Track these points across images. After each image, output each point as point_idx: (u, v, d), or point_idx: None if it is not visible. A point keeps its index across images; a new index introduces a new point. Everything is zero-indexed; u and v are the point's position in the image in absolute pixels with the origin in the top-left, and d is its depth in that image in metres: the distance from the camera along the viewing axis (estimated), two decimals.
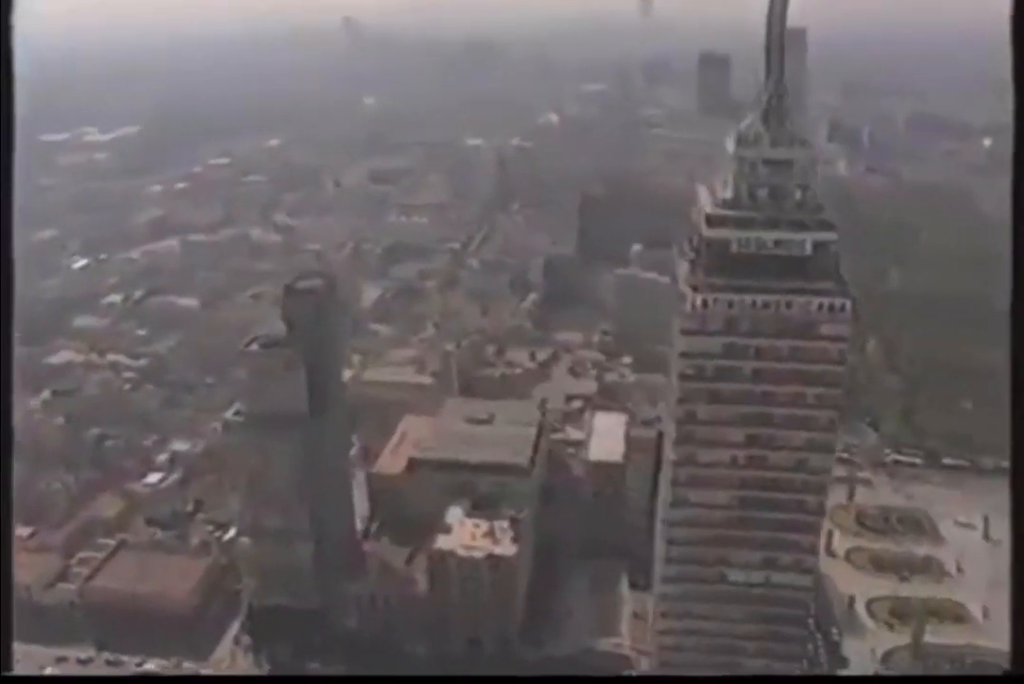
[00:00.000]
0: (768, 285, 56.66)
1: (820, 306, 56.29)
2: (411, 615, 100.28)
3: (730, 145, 60.20)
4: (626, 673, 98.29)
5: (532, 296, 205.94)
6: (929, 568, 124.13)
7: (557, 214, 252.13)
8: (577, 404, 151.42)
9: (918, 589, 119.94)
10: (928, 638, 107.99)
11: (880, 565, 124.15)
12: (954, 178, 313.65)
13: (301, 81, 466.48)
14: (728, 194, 58.16)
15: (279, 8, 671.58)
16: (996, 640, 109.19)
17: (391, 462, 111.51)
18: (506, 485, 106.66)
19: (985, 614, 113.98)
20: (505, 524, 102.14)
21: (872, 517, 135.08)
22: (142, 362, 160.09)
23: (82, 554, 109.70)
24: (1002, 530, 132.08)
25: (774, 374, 57.47)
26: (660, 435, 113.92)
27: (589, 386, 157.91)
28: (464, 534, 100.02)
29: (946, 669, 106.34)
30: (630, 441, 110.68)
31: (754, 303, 56.68)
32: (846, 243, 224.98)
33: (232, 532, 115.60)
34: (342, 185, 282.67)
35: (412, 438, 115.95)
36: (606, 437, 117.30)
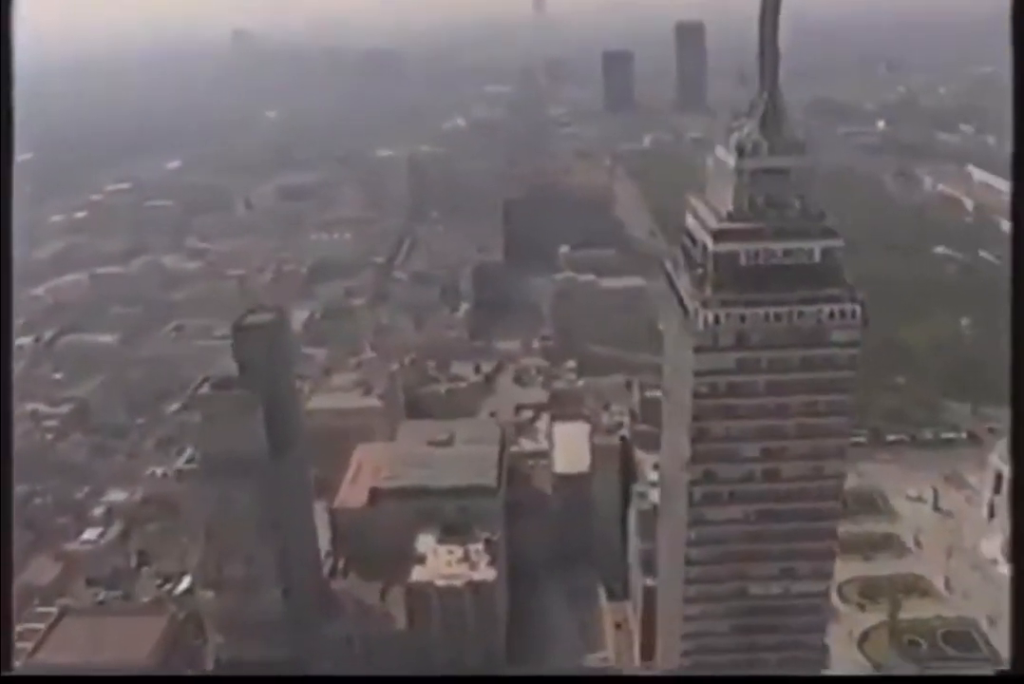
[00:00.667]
0: (780, 296, 55.67)
1: (831, 313, 55.56)
2: (391, 652, 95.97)
3: (724, 155, 58.90)
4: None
5: (464, 306, 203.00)
6: (890, 545, 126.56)
7: (478, 220, 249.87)
8: (528, 414, 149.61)
9: (883, 567, 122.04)
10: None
11: (843, 547, 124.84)
12: (853, 159, 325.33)
13: (196, 98, 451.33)
14: (730, 206, 56.86)
15: (165, 25, 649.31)
16: (961, 609, 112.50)
17: (351, 494, 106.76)
18: (474, 507, 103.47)
19: (947, 585, 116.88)
20: (480, 547, 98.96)
21: None
22: (63, 408, 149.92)
23: (21, 627, 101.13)
24: (950, 501, 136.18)
25: (786, 385, 56.56)
26: (624, 441, 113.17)
27: (538, 395, 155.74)
28: (439, 563, 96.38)
29: (922, 645, 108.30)
30: (595, 450, 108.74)
31: (766, 316, 55.56)
32: None
33: (185, 583, 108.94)
34: (253, 205, 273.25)
35: (370, 467, 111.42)
36: (569, 447, 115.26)
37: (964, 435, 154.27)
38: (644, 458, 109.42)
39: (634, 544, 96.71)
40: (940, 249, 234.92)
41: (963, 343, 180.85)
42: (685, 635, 63.13)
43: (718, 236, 55.34)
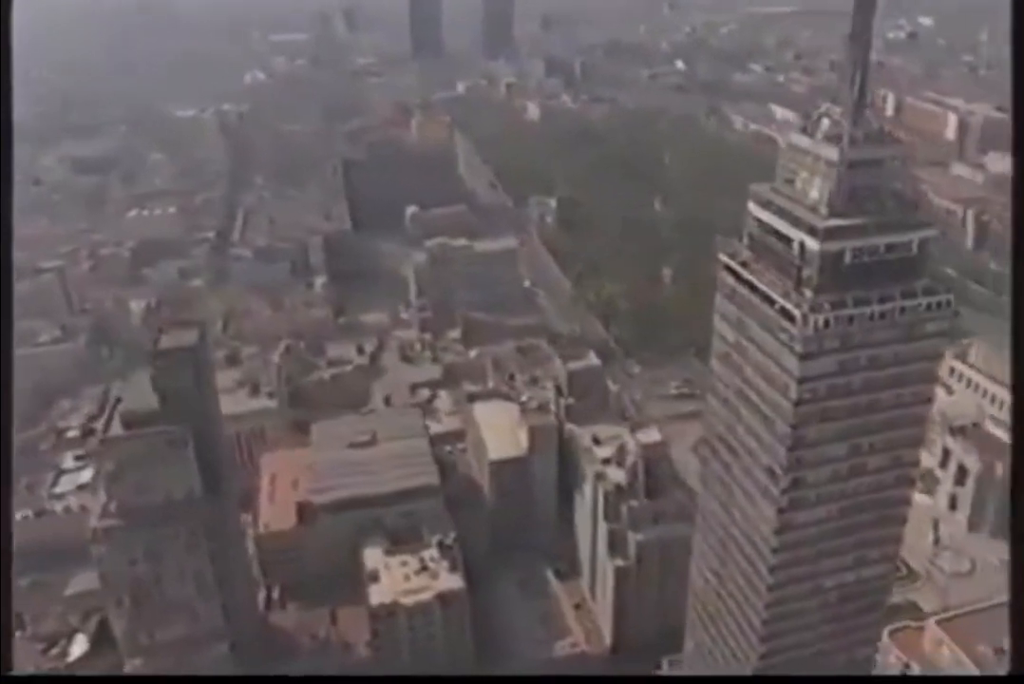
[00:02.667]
0: (885, 293, 51.73)
1: (928, 306, 52.14)
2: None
3: (812, 144, 53.21)
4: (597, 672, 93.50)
5: (320, 280, 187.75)
6: None
7: (310, 184, 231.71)
8: (425, 393, 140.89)
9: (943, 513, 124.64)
10: None
11: None
12: (665, 99, 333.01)
13: None
14: (830, 201, 51.74)
15: None
16: None
17: (274, 515, 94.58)
18: (419, 510, 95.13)
19: None
20: (434, 553, 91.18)
21: None
22: None
23: None
24: None
25: (880, 381, 53.20)
26: (559, 418, 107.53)
27: (430, 371, 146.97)
28: (395, 577, 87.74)
29: None
30: (533, 432, 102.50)
31: (872, 315, 51.35)
32: (610, 177, 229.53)
33: (79, 646, 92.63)
34: (43, 182, 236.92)
35: (286, 480, 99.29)
36: (497, 430, 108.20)
37: None
38: (577, 433, 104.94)
39: (601, 527, 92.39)
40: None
41: None
42: (763, 638, 59.87)
43: (827, 234, 50.36)
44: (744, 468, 59.61)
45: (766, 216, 56.16)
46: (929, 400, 54.89)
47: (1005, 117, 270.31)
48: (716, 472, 64.00)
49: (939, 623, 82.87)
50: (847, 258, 50.70)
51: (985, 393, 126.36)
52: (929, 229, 53.72)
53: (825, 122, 53.17)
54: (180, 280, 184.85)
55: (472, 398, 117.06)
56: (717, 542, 64.69)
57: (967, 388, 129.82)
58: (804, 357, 50.49)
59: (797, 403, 51.46)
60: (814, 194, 53.03)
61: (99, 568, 63.89)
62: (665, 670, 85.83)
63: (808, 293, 51.21)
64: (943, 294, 52.82)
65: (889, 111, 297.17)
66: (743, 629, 62.64)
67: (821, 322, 50.19)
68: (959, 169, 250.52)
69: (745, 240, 59.11)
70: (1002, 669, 78.89)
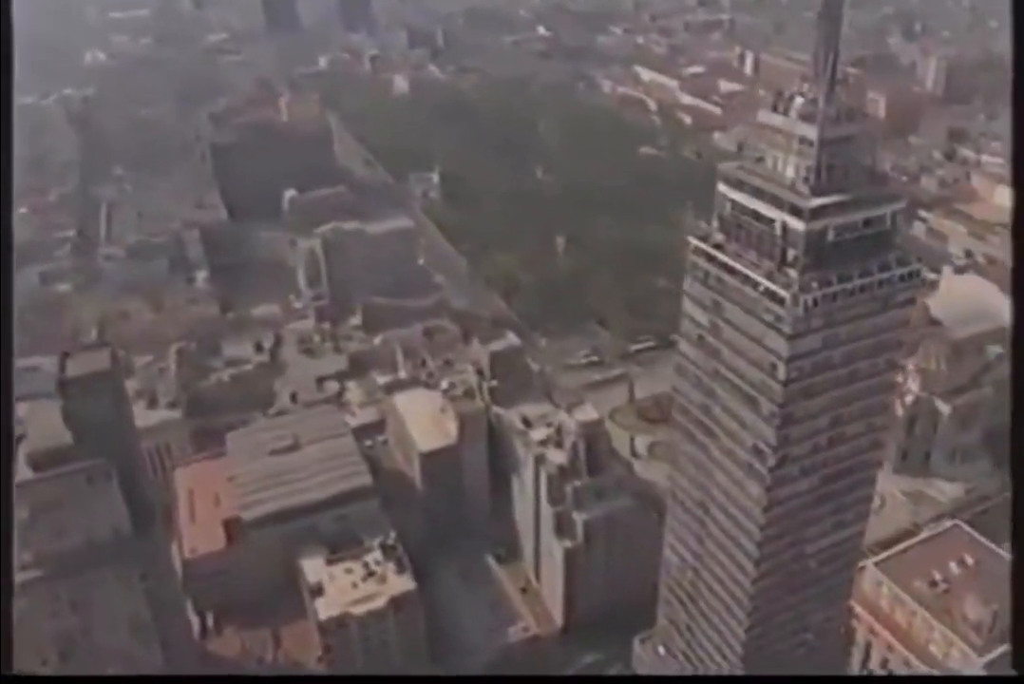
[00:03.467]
0: (864, 268, 51.13)
1: (902, 276, 51.99)
2: None
3: (786, 123, 51.60)
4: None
5: (201, 274, 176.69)
6: None
7: (175, 172, 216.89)
8: (334, 386, 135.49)
9: None
10: None
11: None
12: (531, 66, 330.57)
13: None
14: (810, 180, 50.60)
15: None
16: None
17: (199, 535, 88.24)
18: (354, 513, 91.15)
19: None
20: (378, 556, 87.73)
21: (648, 409, 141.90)
22: None
23: None
24: None
25: (857, 352, 53.10)
26: (484, 402, 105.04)
27: (335, 362, 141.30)
28: (342, 587, 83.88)
29: None
30: (463, 419, 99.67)
31: (853, 290, 50.69)
32: (488, 148, 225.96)
33: None
34: None
35: (206, 496, 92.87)
36: (421, 420, 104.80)
37: None
38: (505, 415, 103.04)
39: (544, 509, 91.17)
40: (645, 149, 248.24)
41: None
42: (750, 611, 60.29)
43: (812, 214, 49.29)
44: (724, 448, 59.39)
45: (741, 197, 55.05)
46: (897, 366, 55.84)
47: (855, 71, 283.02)
48: (690, 453, 63.49)
49: (876, 564, 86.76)
50: (830, 236, 50.39)
51: None
52: (899, 201, 54.17)
53: (798, 100, 52.05)
54: (43, 286, 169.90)
55: (391, 388, 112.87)
56: (694, 521, 64.60)
57: None
58: (793, 337, 50.03)
59: (786, 383, 51.18)
60: (790, 173, 52.33)
61: (17, 628, 57.29)
62: (637, 649, 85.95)
63: (793, 273, 50.62)
64: (914, 264, 53.46)
65: (748, 70, 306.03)
66: (727, 604, 63.07)
67: (810, 302, 49.75)
68: None
69: (716, 222, 57.85)
70: (938, 602, 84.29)
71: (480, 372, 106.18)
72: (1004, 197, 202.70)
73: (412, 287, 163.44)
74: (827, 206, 50.08)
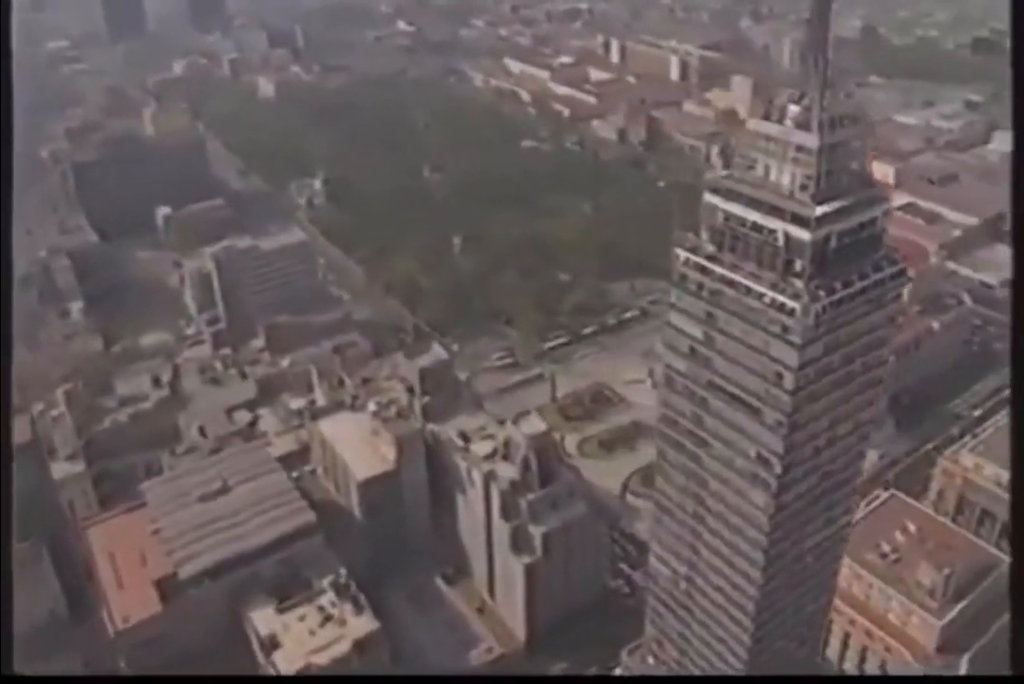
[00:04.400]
0: (861, 271, 50.47)
1: (892, 275, 51.77)
2: None
3: (781, 131, 49.91)
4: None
5: (75, 306, 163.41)
6: (640, 431, 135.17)
7: (31, 193, 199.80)
8: (246, 416, 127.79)
9: (646, 453, 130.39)
10: None
11: (608, 446, 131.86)
12: (398, 62, 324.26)
13: None
14: (810, 187, 49.37)
15: None
16: None
17: (131, 601, 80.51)
18: (298, 554, 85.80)
19: None
20: (333, 597, 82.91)
21: (571, 407, 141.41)
22: None
23: None
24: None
25: (854, 353, 52.94)
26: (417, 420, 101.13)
27: (243, 390, 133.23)
28: (300, 637, 78.73)
29: None
30: (401, 442, 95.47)
31: (853, 295, 49.77)
32: (368, 149, 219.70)
33: None
34: None
35: (130, 555, 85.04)
36: (353, 445, 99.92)
37: (637, 312, 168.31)
38: (441, 432, 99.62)
39: (499, 526, 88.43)
40: (527, 142, 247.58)
41: (597, 228, 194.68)
42: (755, 616, 59.88)
43: (817, 222, 48.25)
44: (720, 457, 58.73)
45: (736, 208, 53.67)
46: (885, 362, 56.55)
47: (716, 55, 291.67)
48: (680, 463, 62.43)
49: None
50: (832, 243, 49.91)
51: None
52: (887, 202, 54.40)
53: (793, 108, 50.96)
54: None
55: (312, 414, 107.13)
56: (687, 531, 63.81)
57: None
58: (802, 346, 49.49)
59: (794, 391, 50.70)
60: (785, 181, 51.30)
61: None
62: (624, 659, 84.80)
63: (799, 283, 49.84)
64: (900, 262, 53.84)
65: (615, 57, 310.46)
66: (730, 612, 62.68)
67: (820, 310, 49.33)
68: (690, 107, 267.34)
69: (706, 234, 56.32)
70: (891, 572, 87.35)
71: (410, 389, 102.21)
72: (881, 172, 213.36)
73: (313, 302, 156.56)
74: (830, 213, 49.77)
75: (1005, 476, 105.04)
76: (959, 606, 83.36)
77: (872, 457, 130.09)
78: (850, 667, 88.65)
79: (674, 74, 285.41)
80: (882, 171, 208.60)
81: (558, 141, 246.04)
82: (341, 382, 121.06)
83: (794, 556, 60.10)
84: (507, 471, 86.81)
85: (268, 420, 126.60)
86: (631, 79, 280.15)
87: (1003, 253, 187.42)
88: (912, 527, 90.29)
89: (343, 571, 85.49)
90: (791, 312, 49.64)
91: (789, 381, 50.63)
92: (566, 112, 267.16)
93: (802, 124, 50.22)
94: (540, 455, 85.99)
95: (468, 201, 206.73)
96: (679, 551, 65.60)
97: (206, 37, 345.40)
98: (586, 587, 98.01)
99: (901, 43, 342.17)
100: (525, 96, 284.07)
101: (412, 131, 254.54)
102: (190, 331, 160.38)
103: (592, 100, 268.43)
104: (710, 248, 55.55)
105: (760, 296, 50.96)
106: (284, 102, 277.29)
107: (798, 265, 49.51)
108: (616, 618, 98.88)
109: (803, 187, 50.28)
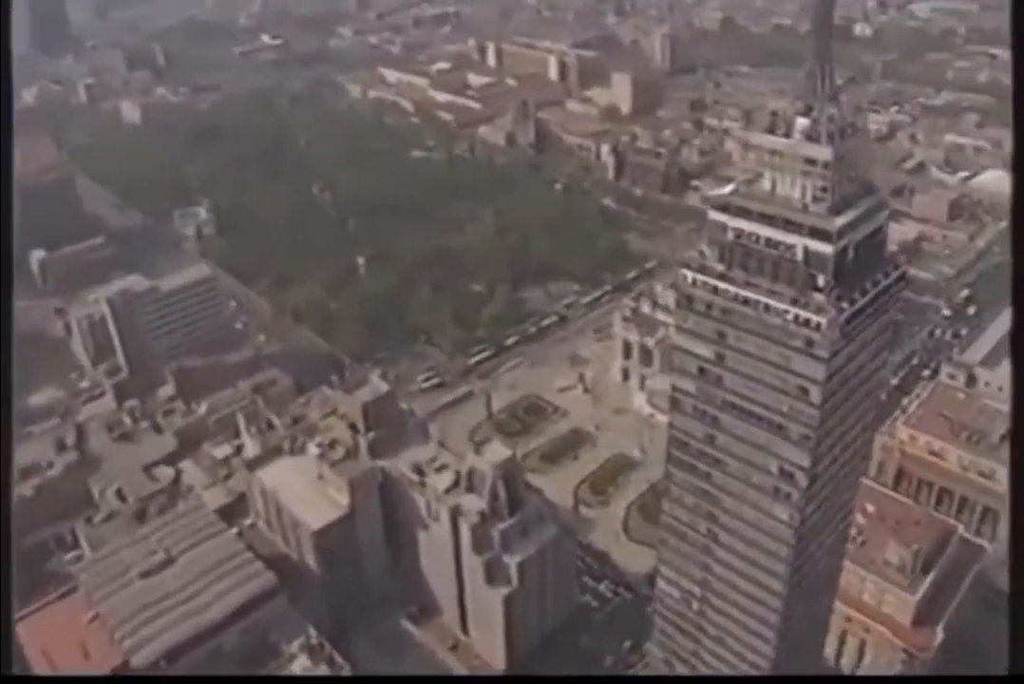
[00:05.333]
0: (873, 278, 48.98)
1: (895, 280, 51.37)
2: None
3: (790, 145, 47.64)
4: None
5: None
6: (580, 439, 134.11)
7: None
8: (169, 473, 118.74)
9: (590, 461, 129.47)
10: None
11: (551, 458, 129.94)
12: (269, 77, 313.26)
13: None
14: (825, 200, 48.04)
15: None
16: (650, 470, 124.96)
17: None
18: (263, 619, 79.69)
19: (643, 451, 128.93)
20: (306, 661, 77.37)
21: (507, 423, 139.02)
22: None
23: None
24: (591, 379, 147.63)
25: (866, 358, 52.72)
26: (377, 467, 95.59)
27: (161, 443, 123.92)
28: None
29: None
30: (354, 486, 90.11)
31: (869, 304, 48.42)
32: (252, 171, 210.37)
33: None
34: None
35: (68, 648, 76.74)
36: (299, 493, 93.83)
37: (556, 318, 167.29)
38: (392, 469, 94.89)
39: (470, 559, 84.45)
40: (416, 152, 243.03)
41: (502, 234, 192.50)
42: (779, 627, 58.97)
43: (838, 235, 46.84)
44: (736, 475, 57.77)
45: (747, 225, 51.66)
46: (886, 364, 56.64)
47: (590, 53, 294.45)
48: (690, 484, 60.91)
49: None
50: (850, 254, 48.98)
51: None
52: (888, 207, 53.93)
53: (802, 121, 49.31)
54: None
55: (252, 465, 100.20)
56: (699, 551, 62.52)
57: None
58: (829, 360, 48.64)
59: (821, 405, 49.86)
60: (796, 194, 49.79)
61: None
62: None
63: (820, 297, 48.71)
64: (902, 266, 53.54)
65: (492, 60, 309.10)
66: (750, 626, 61.94)
67: (844, 323, 48.41)
68: (573, 106, 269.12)
69: (713, 252, 54.06)
70: (861, 554, 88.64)
71: (353, 426, 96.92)
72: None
73: (221, 341, 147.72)
74: (846, 225, 49.04)
75: (938, 445, 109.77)
76: (928, 579, 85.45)
77: None
78: (830, 652, 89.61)
79: (553, 74, 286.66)
80: None
81: (448, 149, 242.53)
82: (270, 424, 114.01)
83: (812, 563, 59.96)
84: (474, 503, 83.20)
85: (192, 473, 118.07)
86: (511, 82, 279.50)
87: (890, 229, 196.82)
88: (870, 507, 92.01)
89: (312, 631, 79.71)
90: (817, 327, 48.93)
91: (816, 395, 50.29)
92: (451, 119, 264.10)
93: (812, 136, 49.18)
94: (508, 482, 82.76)
95: (365, 218, 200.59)
96: (691, 571, 64.78)
97: (57, 61, 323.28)
98: (561, 608, 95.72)
99: (759, 31, 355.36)
100: (407, 105, 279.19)
101: (294, 149, 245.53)
102: (85, 384, 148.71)
103: (476, 105, 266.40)
104: (719, 267, 53.91)
105: (782, 313, 49.95)
106: (153, 127, 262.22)
107: (821, 280, 48.67)
108: (592, 633, 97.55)
109: (816, 199, 49.40)
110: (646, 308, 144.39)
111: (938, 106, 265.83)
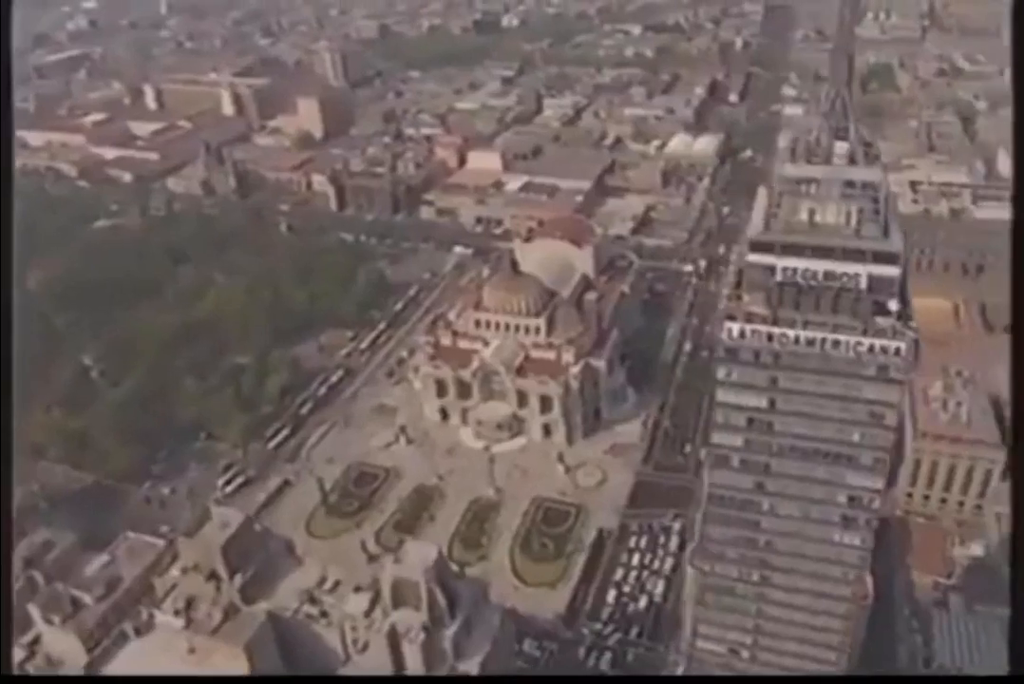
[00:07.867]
0: (903, 291, 46.03)
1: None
2: None
3: (831, 172, 39.93)
4: None
5: None
6: (429, 495, 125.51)
7: None
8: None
9: (450, 516, 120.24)
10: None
11: (407, 528, 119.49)
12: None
13: None
14: (854, 224, 45.92)
15: None
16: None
17: None
18: None
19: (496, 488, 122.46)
20: None
21: (339, 503, 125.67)
22: None
23: None
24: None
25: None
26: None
27: None
28: None
29: None
30: (250, 650, 72.33)
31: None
32: None
33: None
34: None
35: None
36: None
37: (341, 373, 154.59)
38: (275, 612, 78.55)
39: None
40: (101, 223, 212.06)
41: (244, 294, 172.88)
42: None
43: (898, 256, 44.96)
44: (796, 514, 56.65)
45: (798, 262, 46.85)
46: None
47: (262, 81, 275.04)
48: (732, 537, 58.69)
49: None
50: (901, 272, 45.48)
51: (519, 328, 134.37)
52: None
53: (841, 145, 43.47)
54: None
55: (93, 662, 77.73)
56: (751, 601, 61.13)
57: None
58: (874, 378, 47.24)
59: (897, 427, 47.91)
60: (841, 221, 46.48)
61: None
62: None
63: (889, 321, 45.79)
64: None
65: (152, 103, 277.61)
66: (814, 655, 60.61)
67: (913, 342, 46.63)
68: (262, 139, 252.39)
69: (757, 297, 47.01)
70: None
71: (212, 575, 78.30)
72: (477, 160, 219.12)
73: None
74: (902, 244, 45.68)
75: None
76: None
77: (636, 426, 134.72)
78: None
79: (228, 109, 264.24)
80: (488, 160, 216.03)
81: (140, 211, 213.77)
82: (75, 603, 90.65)
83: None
84: (412, 618, 70.46)
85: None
86: (184, 123, 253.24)
87: (617, 205, 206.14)
88: None
89: None
90: (896, 352, 46.79)
91: (891, 418, 48.81)
92: (127, 177, 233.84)
93: (852, 160, 44.82)
94: (442, 584, 70.96)
95: (73, 311, 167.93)
96: (740, 623, 61.74)
97: None
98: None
99: (415, 35, 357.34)
100: (68, 169, 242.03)
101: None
102: None
103: (153, 156, 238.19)
104: (764, 312, 47.88)
105: (854, 345, 45.78)
106: None
107: (893, 304, 45.48)
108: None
109: (864, 222, 45.54)
110: (446, 340, 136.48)
111: (606, 84, 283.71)
